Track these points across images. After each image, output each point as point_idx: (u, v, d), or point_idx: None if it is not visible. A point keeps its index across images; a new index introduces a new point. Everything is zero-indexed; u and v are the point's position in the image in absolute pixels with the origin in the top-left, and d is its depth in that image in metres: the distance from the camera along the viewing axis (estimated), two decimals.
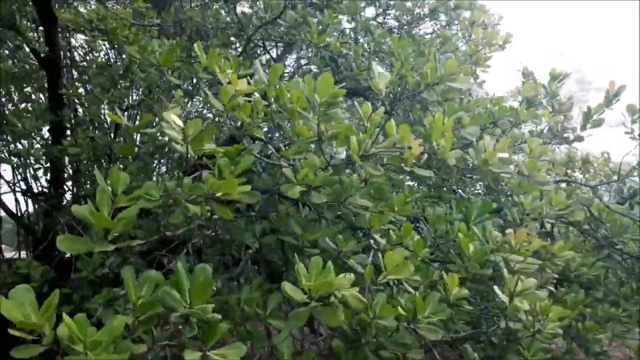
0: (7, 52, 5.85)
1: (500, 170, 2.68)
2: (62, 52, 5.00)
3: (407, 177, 4.92)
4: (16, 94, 5.91)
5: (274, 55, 6.35)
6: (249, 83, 2.61)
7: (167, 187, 1.95)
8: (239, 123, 2.53)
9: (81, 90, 5.45)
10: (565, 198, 3.58)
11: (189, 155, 1.79)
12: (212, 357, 1.53)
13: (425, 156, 2.43)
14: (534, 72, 5.62)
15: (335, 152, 2.90)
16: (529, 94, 4.30)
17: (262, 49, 6.00)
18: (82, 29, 4.58)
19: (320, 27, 4.41)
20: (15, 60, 5.76)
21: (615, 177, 4.70)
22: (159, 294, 1.50)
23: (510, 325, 2.58)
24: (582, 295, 3.83)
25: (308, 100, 2.26)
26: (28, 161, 5.18)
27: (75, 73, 5.82)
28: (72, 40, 6.02)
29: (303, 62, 6.55)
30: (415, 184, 4.76)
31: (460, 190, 4.55)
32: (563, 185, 5.01)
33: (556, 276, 3.51)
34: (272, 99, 2.52)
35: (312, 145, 2.61)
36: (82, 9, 5.15)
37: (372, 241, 2.62)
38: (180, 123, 1.79)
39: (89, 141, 3.78)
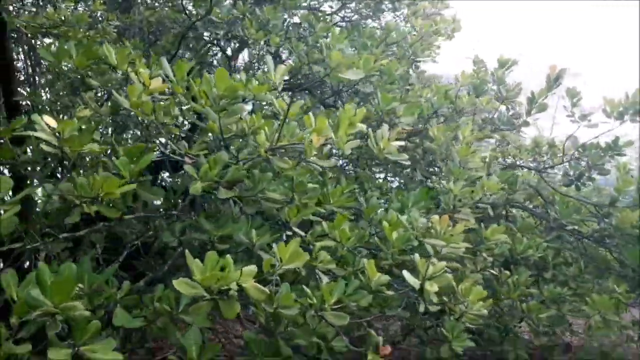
0: None
1: (395, 158, 2.71)
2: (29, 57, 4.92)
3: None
4: None
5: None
6: (164, 82, 2.64)
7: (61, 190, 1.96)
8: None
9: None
10: (497, 182, 3.62)
11: (64, 155, 1.80)
12: (81, 352, 1.54)
13: (328, 147, 2.45)
14: (484, 60, 5.67)
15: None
16: (467, 81, 4.34)
17: (217, 47, 6.00)
18: (39, 33, 4.54)
19: (260, 22, 4.42)
20: None
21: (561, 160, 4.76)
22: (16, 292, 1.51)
23: (430, 308, 2.61)
24: (526, 276, 3.89)
25: (207, 96, 2.27)
26: None
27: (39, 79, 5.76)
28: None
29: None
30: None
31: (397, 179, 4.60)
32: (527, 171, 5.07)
33: (490, 259, 3.55)
34: (182, 97, 2.53)
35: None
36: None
37: (290, 233, 2.64)
38: (53, 124, 1.80)
39: None
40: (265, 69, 5.31)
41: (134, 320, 2.32)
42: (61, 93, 4.50)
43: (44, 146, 1.79)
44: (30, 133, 1.75)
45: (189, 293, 1.89)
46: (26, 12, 5.48)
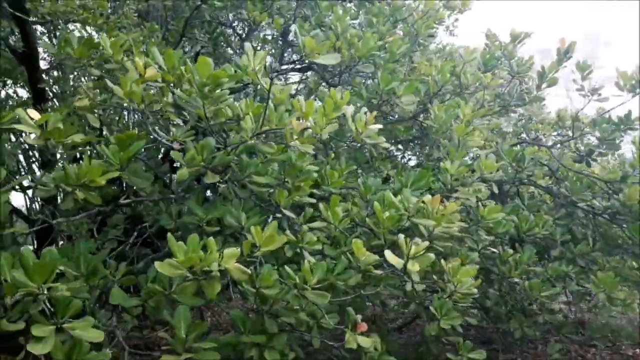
0: None
1: (373, 141, 2.73)
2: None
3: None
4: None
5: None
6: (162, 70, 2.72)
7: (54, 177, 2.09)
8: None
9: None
10: (494, 161, 3.59)
11: (49, 147, 1.91)
12: (63, 328, 1.67)
13: (309, 131, 2.49)
14: (497, 34, 5.55)
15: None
16: (471, 57, 4.27)
17: (232, 30, 6.05)
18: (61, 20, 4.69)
19: (264, 4, 4.45)
20: None
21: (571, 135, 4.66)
22: (9, 274, 1.64)
23: (416, 287, 2.67)
24: (529, 255, 3.87)
25: (190, 83, 2.35)
26: None
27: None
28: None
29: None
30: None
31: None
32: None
33: (488, 238, 3.56)
34: (172, 85, 2.61)
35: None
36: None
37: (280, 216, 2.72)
38: (36, 116, 1.91)
39: None
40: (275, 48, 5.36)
41: (130, 299, 2.46)
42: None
43: (26, 138, 1.90)
44: (15, 126, 1.87)
45: (171, 274, 2.00)
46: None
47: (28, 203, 5.40)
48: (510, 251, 3.92)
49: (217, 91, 2.36)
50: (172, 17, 5.69)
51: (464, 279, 2.73)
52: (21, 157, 5.32)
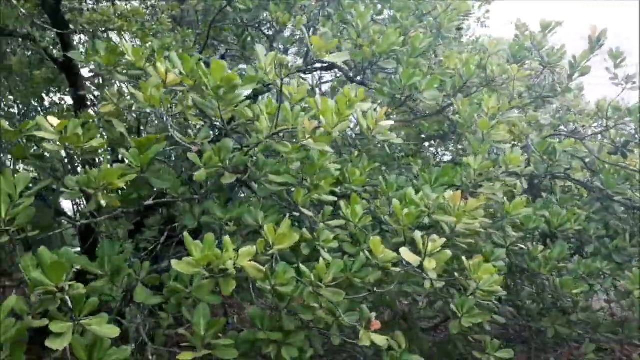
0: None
1: (384, 138, 2.71)
2: None
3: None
4: (37, 100, 6.44)
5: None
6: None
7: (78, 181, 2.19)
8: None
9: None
10: (520, 156, 3.50)
11: (70, 152, 2.00)
12: (81, 324, 1.76)
13: (321, 130, 2.50)
14: (526, 24, 5.42)
15: None
16: (495, 49, 4.17)
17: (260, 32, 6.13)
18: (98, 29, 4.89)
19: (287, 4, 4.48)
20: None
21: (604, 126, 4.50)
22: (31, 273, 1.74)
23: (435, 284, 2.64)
24: (560, 251, 3.76)
25: (206, 86, 2.40)
26: None
27: None
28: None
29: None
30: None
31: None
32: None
33: (516, 234, 3.48)
34: (191, 88, 2.68)
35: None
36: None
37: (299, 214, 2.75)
38: (55, 122, 2.00)
39: None
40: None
41: (154, 297, 2.55)
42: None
43: (45, 144, 2.00)
44: (35, 133, 1.97)
45: (187, 272, 2.06)
46: (87, 10, 5.87)
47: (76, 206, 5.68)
48: (540, 247, 3.81)
49: (231, 93, 2.40)
50: (202, 21, 5.83)
51: (486, 276, 2.68)
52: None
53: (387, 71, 4.20)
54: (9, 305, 1.72)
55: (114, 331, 1.80)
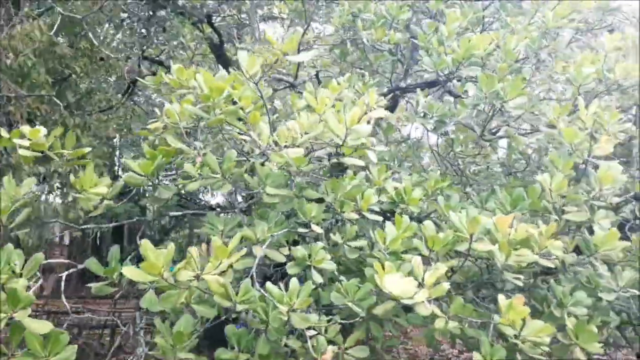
0: None
1: (355, 143, 2.27)
2: None
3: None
4: None
5: None
6: None
7: None
8: None
9: None
10: (618, 173, 2.66)
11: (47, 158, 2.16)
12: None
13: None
14: None
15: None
16: (612, 45, 3.33)
17: None
18: None
19: None
20: None
21: None
22: None
23: None
24: None
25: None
26: None
27: None
28: None
29: None
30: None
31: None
32: None
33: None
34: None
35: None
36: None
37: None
38: (28, 132, 2.17)
39: None
40: None
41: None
42: None
43: (20, 151, 2.19)
44: (15, 141, 2.18)
45: (138, 279, 2.03)
46: None
47: None
48: None
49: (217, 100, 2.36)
50: None
51: (516, 319, 2.09)
52: None
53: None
54: None
55: (45, 327, 1.87)
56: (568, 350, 2.66)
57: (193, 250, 2.12)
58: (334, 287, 2.38)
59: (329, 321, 2.40)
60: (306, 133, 2.20)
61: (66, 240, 12.38)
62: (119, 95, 7.13)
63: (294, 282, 2.15)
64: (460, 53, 3.41)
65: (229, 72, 5.30)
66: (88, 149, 2.27)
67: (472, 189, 3.75)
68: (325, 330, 2.36)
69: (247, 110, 2.57)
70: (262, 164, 2.61)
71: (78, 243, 11.46)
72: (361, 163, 2.73)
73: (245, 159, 2.64)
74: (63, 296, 2.36)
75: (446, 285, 2.08)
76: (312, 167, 2.56)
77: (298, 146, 2.20)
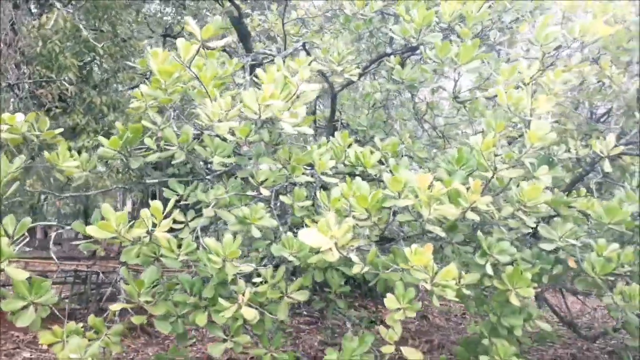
0: None
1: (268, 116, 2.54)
2: None
3: None
4: None
5: None
6: None
7: None
8: None
9: None
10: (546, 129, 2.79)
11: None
12: None
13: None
14: None
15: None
16: None
17: None
18: None
19: None
20: None
21: None
22: None
23: None
24: None
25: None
26: None
27: None
28: None
29: None
30: None
31: None
32: None
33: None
34: None
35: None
36: None
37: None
38: (6, 116, 2.62)
39: None
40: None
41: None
42: None
43: (3, 134, 2.64)
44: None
45: (99, 236, 2.46)
46: None
47: None
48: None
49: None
50: None
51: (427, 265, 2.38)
52: None
53: None
54: None
55: (23, 274, 2.35)
56: (505, 296, 2.94)
57: (144, 212, 2.52)
58: None
59: (274, 270, 2.78)
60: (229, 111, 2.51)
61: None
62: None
63: (227, 236, 2.52)
64: (418, 21, 3.57)
65: (247, 44, 5.62)
66: (59, 130, 2.73)
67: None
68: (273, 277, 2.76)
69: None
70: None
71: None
72: (311, 131, 3.02)
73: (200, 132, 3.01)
74: (52, 251, 2.87)
75: (349, 236, 2.38)
76: (257, 137, 2.89)
77: (228, 120, 2.52)
